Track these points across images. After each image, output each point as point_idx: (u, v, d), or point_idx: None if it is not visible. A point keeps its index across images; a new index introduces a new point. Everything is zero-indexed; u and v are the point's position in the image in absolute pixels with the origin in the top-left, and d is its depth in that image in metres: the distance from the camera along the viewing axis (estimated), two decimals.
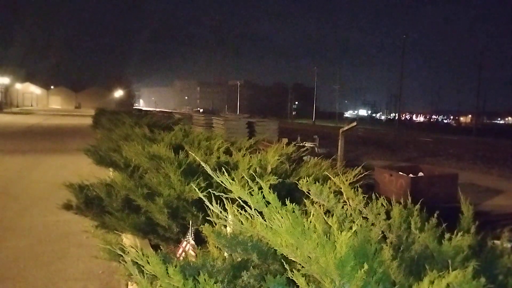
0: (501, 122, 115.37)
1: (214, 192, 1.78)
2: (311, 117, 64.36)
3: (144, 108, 61.31)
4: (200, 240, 2.61)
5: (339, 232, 1.32)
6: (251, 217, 1.59)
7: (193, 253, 2.52)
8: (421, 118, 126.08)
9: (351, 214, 1.90)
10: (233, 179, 1.70)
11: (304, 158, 4.84)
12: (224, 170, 1.78)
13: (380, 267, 1.33)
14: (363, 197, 2.01)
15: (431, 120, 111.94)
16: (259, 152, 4.17)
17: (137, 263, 1.56)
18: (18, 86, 68.21)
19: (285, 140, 6.89)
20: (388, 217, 1.84)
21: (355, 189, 2.09)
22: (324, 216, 1.62)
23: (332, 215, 1.67)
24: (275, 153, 3.76)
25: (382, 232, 1.78)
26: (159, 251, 1.89)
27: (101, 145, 6.26)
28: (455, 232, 1.65)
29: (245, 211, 1.61)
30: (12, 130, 21.20)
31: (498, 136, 34.65)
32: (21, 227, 5.18)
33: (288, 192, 3.06)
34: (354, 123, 9.63)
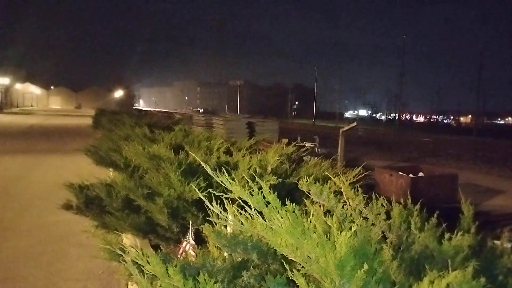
0: (501, 122, 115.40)
1: (214, 192, 1.78)
2: (311, 117, 64.37)
3: (144, 108, 61.32)
4: (200, 240, 2.62)
5: (339, 232, 1.32)
6: (251, 217, 1.59)
7: (193, 253, 2.52)
8: (421, 118, 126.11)
9: (351, 214, 1.90)
10: (233, 179, 1.70)
11: (304, 158, 4.84)
12: (224, 170, 1.78)
13: (380, 267, 1.33)
14: (363, 197, 2.01)
15: (431, 120, 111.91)
16: (259, 152, 4.17)
17: (137, 263, 1.56)
18: (18, 86, 68.21)
19: (285, 140, 6.90)
20: (388, 217, 1.84)
21: (355, 189, 2.09)
22: (324, 216, 1.62)
23: (332, 215, 1.67)
24: (275, 153, 3.76)
25: (382, 232, 1.78)
26: (159, 251, 1.89)
27: (101, 145, 6.26)
28: (455, 232, 1.65)
29: (245, 211, 1.62)
30: (12, 130, 21.21)
31: (498, 136, 34.66)
32: (21, 227, 5.18)
33: (288, 192, 3.06)
34: (354, 123, 9.64)
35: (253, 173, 2.67)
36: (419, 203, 1.94)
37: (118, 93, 76.34)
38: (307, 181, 2.13)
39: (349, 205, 1.99)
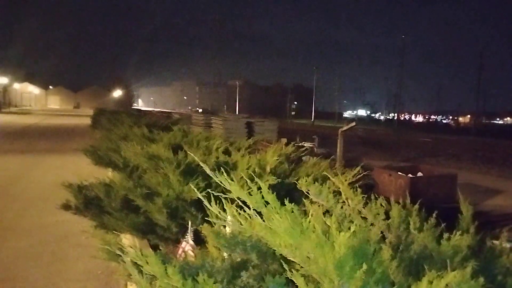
0: (500, 122, 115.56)
1: (213, 192, 1.78)
2: (310, 117, 64.40)
3: (143, 108, 61.25)
4: (199, 240, 2.62)
5: (338, 232, 1.32)
6: (250, 217, 1.59)
7: (192, 253, 2.53)
8: (420, 118, 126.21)
9: (350, 214, 1.90)
10: (232, 179, 1.70)
11: (303, 158, 4.84)
12: (223, 170, 1.78)
13: (379, 267, 1.33)
14: (362, 197, 2.01)
15: (430, 120, 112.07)
16: (258, 152, 4.17)
17: (136, 263, 1.56)
18: (17, 86, 68.16)
19: (284, 140, 6.90)
20: (387, 217, 1.85)
21: (354, 189, 2.09)
22: (323, 216, 1.62)
23: (331, 215, 1.67)
24: (274, 153, 3.77)
25: (381, 232, 1.78)
26: (158, 251, 1.89)
27: (100, 145, 6.25)
28: (454, 232, 1.65)
29: (244, 211, 1.62)
30: (11, 130, 21.18)
31: (497, 136, 34.72)
32: (21, 227, 5.17)
33: (287, 192, 3.06)
34: (353, 123, 9.65)
35: (252, 173, 2.67)
36: (418, 203, 1.94)
37: (117, 93, 76.27)
38: (306, 181, 2.13)
39: (348, 205, 1.99)
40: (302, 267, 1.39)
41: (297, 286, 1.37)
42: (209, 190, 1.89)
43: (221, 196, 1.74)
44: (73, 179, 4.01)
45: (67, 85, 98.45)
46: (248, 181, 1.74)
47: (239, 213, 1.64)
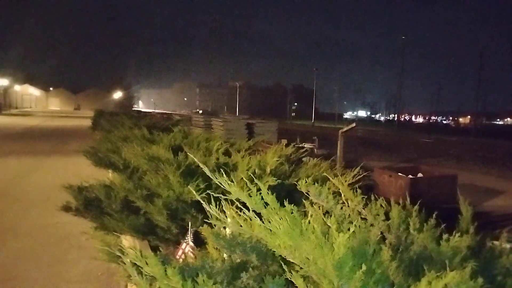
0: (500, 123, 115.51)
1: (213, 193, 1.78)
2: (310, 118, 64.39)
3: (143, 110, 61.28)
4: (199, 242, 2.61)
5: (338, 233, 1.32)
6: (249, 218, 1.59)
7: (192, 255, 2.53)
8: (420, 119, 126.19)
9: (350, 215, 1.90)
10: (232, 181, 1.70)
11: (303, 159, 4.84)
12: (223, 172, 1.78)
13: (379, 268, 1.33)
14: (362, 198, 2.01)
15: (430, 121, 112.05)
16: (258, 153, 4.17)
17: (136, 264, 1.56)
18: (17, 87, 68.24)
19: (284, 141, 6.89)
20: (387, 218, 1.84)
21: (354, 190, 2.09)
22: (323, 217, 1.62)
23: (331, 216, 1.67)
24: (274, 154, 3.76)
25: (381, 233, 1.78)
26: (158, 252, 1.89)
27: (100, 147, 6.25)
28: (453, 233, 1.65)
29: (244, 212, 1.62)
30: (11, 132, 21.19)
31: (497, 136, 34.70)
32: (22, 228, 5.18)
33: (288, 193, 3.05)
34: (354, 124, 9.65)
35: (252, 174, 2.67)
36: (418, 203, 1.94)
37: (117, 95, 76.35)
38: (306, 182, 2.13)
39: (348, 206, 1.99)
40: (301, 268, 1.39)
41: (296, 287, 1.37)
42: (209, 191, 1.89)
43: (221, 197, 1.74)
44: (73, 180, 4.01)
45: (67, 86, 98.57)
46: (248, 182, 1.74)
47: (239, 215, 1.64)
